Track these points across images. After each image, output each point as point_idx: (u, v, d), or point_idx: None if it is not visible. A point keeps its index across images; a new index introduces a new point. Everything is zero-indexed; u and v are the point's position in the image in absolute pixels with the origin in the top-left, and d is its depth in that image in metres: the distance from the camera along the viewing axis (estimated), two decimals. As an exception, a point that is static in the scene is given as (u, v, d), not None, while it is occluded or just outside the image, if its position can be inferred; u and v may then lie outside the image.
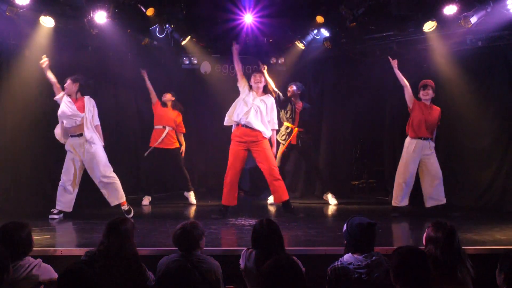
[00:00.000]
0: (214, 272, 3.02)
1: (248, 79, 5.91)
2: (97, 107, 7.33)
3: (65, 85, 5.70)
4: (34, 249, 3.04)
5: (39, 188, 6.51)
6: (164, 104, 6.98)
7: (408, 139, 5.86)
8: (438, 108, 5.89)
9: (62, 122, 5.64)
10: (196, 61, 7.87)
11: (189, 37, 7.24)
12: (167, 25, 6.91)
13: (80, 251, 3.52)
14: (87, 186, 6.77)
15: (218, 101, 7.98)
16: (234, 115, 5.74)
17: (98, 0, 5.81)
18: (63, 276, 2.35)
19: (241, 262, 3.18)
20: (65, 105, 5.57)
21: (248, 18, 6.99)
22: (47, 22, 5.93)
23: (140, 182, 7.78)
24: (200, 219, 5.71)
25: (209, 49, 7.83)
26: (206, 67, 7.85)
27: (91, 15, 5.88)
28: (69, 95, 5.68)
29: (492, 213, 5.97)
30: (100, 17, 5.90)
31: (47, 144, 6.47)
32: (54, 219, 5.45)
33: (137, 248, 3.15)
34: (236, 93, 8.04)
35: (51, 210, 5.52)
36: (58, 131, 5.72)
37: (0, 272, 2.42)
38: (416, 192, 7.18)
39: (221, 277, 3.09)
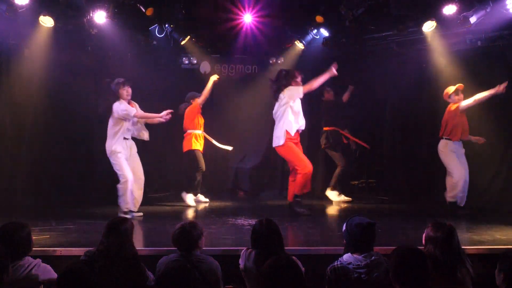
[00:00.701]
0: (213, 272, 3.02)
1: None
2: (96, 106, 7.37)
3: (127, 90, 5.63)
4: (33, 249, 3.04)
5: (38, 188, 6.51)
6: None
7: (455, 143, 5.83)
8: None
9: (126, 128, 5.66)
10: (195, 61, 7.86)
11: (188, 37, 7.25)
12: (166, 25, 6.92)
13: (80, 251, 3.52)
14: (87, 186, 6.82)
15: (218, 101, 8.00)
16: (300, 124, 5.75)
17: (98, 0, 5.82)
18: (63, 276, 2.35)
19: (241, 262, 3.17)
20: (133, 108, 5.64)
21: (248, 18, 7.00)
22: (46, 22, 5.94)
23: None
24: (200, 218, 5.73)
25: (208, 49, 7.83)
26: (205, 67, 7.85)
27: (91, 15, 5.89)
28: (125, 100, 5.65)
29: (491, 212, 5.97)
30: (100, 17, 5.91)
31: (46, 143, 6.48)
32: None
33: (137, 248, 3.15)
34: (235, 93, 8.08)
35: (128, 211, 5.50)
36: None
37: (0, 272, 2.42)
38: (416, 191, 7.21)
39: (221, 277, 3.09)
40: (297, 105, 5.71)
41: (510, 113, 6.23)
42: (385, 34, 6.85)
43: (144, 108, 7.88)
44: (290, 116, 5.64)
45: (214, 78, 6.71)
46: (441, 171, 5.95)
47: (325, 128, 7.03)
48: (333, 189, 6.99)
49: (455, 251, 2.83)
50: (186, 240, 3.03)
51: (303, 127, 5.78)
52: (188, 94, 6.95)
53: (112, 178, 7.44)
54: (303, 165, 5.61)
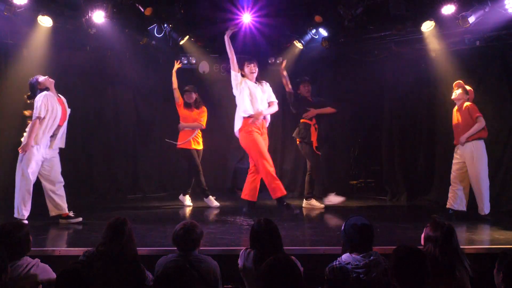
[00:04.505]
0: (212, 272, 3.02)
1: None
2: (95, 106, 7.36)
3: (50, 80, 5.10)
4: (32, 249, 3.03)
5: (37, 188, 6.49)
6: (187, 105, 6.62)
7: (483, 143, 5.46)
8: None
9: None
10: (194, 61, 7.86)
11: (187, 36, 7.24)
12: (165, 25, 6.91)
13: (79, 251, 3.51)
14: (86, 185, 6.80)
15: (216, 101, 7.99)
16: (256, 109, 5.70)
17: (96, 0, 5.81)
18: (61, 276, 2.35)
19: (240, 261, 3.18)
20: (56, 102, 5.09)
21: (246, 18, 6.99)
22: (45, 21, 5.93)
23: (138, 181, 7.77)
24: (198, 218, 5.72)
25: (207, 49, 7.83)
26: (204, 66, 7.85)
27: (89, 14, 5.88)
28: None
29: (490, 212, 5.97)
30: (98, 16, 5.91)
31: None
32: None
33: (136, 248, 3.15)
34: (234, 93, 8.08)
35: (71, 214, 5.19)
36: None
37: (-2, 272, 2.42)
38: (415, 190, 7.21)
39: (220, 276, 3.10)
40: (252, 90, 5.71)
41: (508, 113, 6.24)
42: (384, 33, 6.85)
43: (143, 108, 7.91)
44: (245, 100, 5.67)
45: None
46: (440, 170, 5.95)
47: (301, 121, 6.58)
48: (309, 198, 6.56)
49: (454, 250, 2.84)
50: (188, 240, 3.03)
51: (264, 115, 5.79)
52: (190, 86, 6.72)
53: (111, 178, 7.49)
54: (263, 163, 5.46)
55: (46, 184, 5.16)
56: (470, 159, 5.42)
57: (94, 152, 7.21)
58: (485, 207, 5.44)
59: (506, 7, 5.52)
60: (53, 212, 5.15)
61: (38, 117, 4.88)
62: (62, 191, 5.19)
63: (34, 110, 4.93)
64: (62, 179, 5.20)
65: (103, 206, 6.55)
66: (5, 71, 6.29)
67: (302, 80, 6.66)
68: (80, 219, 5.17)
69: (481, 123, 5.39)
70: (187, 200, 6.63)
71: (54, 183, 5.16)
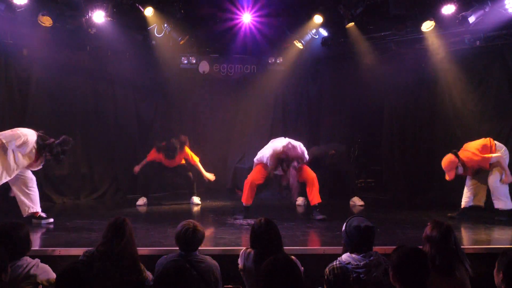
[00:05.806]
0: (212, 271, 3.02)
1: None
2: (95, 106, 7.34)
3: None
4: (32, 249, 3.03)
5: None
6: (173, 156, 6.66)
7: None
8: None
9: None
10: (194, 61, 7.86)
11: (187, 36, 7.24)
12: (165, 25, 6.91)
13: (79, 251, 3.52)
14: (86, 186, 6.78)
15: (216, 101, 7.99)
16: None
17: (96, 0, 5.81)
18: (61, 276, 2.35)
19: (240, 261, 3.18)
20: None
21: (247, 18, 7.00)
22: (45, 21, 5.92)
23: (138, 181, 7.76)
24: (199, 218, 5.73)
25: (207, 49, 7.83)
26: (204, 66, 7.85)
27: (89, 14, 5.89)
28: None
29: (490, 212, 5.97)
30: (98, 16, 5.91)
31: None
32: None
33: (137, 248, 3.15)
34: (234, 93, 8.11)
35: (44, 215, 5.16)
36: None
37: (-2, 272, 2.42)
38: (415, 190, 7.21)
39: (220, 276, 3.10)
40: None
41: (508, 113, 6.24)
42: (384, 33, 6.86)
43: (143, 108, 7.90)
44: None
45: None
46: (440, 170, 5.94)
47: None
48: None
49: (451, 250, 2.83)
50: (193, 240, 3.03)
51: None
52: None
53: (111, 177, 7.48)
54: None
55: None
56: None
57: (94, 152, 7.20)
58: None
59: (506, 7, 5.53)
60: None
61: (2, 143, 4.63)
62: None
63: (9, 131, 4.75)
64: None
65: (103, 206, 6.55)
66: (6, 71, 6.29)
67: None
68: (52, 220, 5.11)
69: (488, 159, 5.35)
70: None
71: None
